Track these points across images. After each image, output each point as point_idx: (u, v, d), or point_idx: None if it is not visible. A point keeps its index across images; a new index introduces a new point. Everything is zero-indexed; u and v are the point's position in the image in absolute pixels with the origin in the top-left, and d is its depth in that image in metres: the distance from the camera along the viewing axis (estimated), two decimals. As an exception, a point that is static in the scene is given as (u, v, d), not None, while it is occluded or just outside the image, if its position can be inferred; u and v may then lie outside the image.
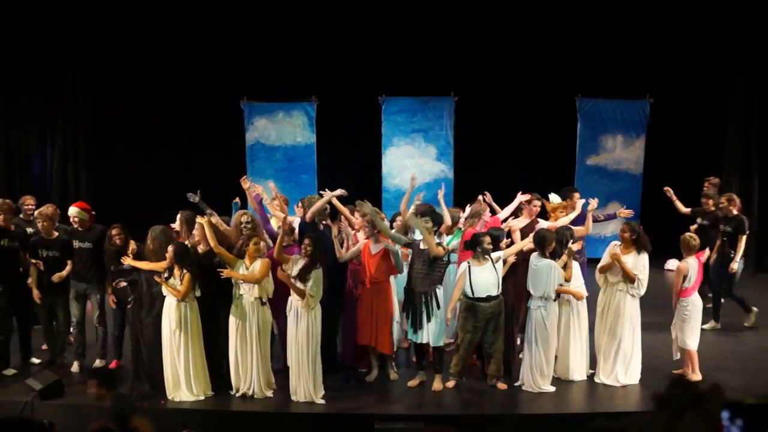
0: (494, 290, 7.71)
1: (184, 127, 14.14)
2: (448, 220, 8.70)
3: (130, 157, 14.15)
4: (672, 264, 9.73)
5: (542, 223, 8.71)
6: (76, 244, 8.59)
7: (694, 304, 7.98)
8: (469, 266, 7.77)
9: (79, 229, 8.62)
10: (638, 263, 7.90)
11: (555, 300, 7.79)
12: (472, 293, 7.71)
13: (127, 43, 14.13)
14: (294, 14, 13.82)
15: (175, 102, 14.09)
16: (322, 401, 7.49)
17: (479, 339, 7.87)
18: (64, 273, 8.41)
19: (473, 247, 7.82)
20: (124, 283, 7.99)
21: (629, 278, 7.86)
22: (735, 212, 10.04)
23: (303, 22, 13.82)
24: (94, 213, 8.99)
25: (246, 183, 8.97)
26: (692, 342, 7.97)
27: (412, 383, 7.95)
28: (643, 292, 8.01)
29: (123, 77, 14.34)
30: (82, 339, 8.76)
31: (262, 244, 7.74)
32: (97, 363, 8.79)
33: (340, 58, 14.01)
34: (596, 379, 8.07)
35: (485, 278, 7.69)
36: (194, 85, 14.05)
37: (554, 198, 9.06)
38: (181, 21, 13.80)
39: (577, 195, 9.26)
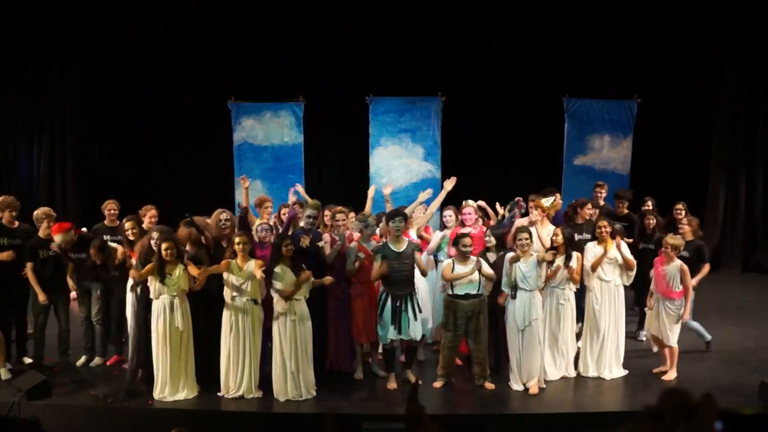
0: (473, 289, 7.77)
1: (172, 127, 14.11)
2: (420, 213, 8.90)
3: (117, 156, 14.12)
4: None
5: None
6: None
7: (683, 303, 8.07)
8: (454, 263, 7.82)
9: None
10: (624, 249, 8.17)
11: (512, 296, 7.81)
12: (452, 290, 7.77)
13: (115, 43, 14.08)
14: (282, 14, 13.82)
15: (163, 101, 14.05)
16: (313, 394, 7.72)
17: (462, 338, 7.92)
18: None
19: (455, 245, 7.90)
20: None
21: (628, 266, 8.11)
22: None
23: (291, 21, 13.83)
24: (72, 223, 8.98)
25: (246, 182, 9.04)
26: (675, 339, 8.08)
27: (391, 385, 7.97)
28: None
29: (110, 77, 14.29)
30: (91, 334, 8.84)
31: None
32: (97, 360, 8.80)
33: (328, 58, 14.00)
34: (591, 374, 8.21)
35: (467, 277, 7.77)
36: (182, 84, 14.00)
37: (546, 202, 9.09)
38: (168, 21, 13.77)
39: (558, 196, 9.47)
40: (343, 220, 8.29)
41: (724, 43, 14.07)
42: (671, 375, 8.10)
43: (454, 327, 7.84)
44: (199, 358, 7.80)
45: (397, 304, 7.76)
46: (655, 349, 8.58)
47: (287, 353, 7.57)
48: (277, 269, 7.55)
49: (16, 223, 8.73)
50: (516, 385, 7.87)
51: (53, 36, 14.00)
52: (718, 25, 13.93)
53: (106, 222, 9.12)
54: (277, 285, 7.51)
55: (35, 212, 8.77)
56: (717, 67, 14.26)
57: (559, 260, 7.97)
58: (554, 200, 9.12)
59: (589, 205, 9.38)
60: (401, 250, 7.78)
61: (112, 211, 9.08)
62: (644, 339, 9.32)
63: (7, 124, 14.08)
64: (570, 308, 8.12)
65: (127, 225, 8.43)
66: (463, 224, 8.85)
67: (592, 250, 8.19)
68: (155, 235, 7.72)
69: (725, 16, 13.87)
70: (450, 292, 7.83)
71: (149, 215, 8.83)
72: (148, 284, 7.58)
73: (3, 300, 8.54)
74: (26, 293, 8.65)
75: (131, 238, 8.35)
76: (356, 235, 8.26)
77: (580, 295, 8.43)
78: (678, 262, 8.05)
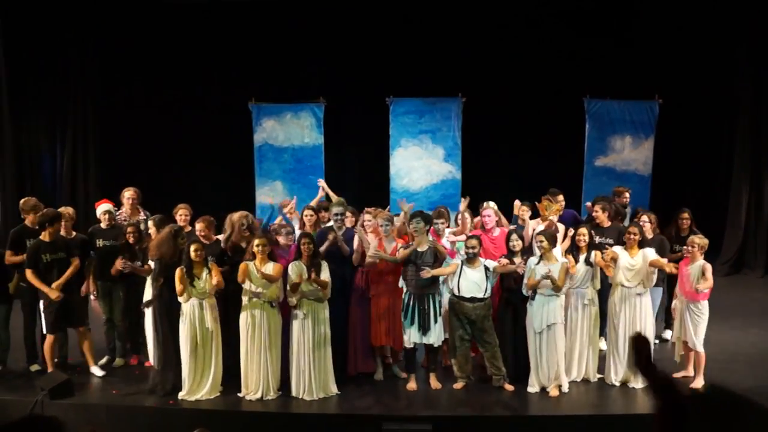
0: (478, 293, 7.77)
1: (193, 128, 14.18)
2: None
3: (138, 158, 14.19)
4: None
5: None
6: (99, 242, 8.69)
7: (707, 306, 7.99)
8: (462, 265, 7.82)
9: (102, 227, 8.76)
10: (648, 259, 7.97)
11: (530, 297, 7.81)
12: (458, 291, 7.79)
13: (136, 45, 14.19)
14: (302, 16, 13.87)
15: (184, 103, 14.14)
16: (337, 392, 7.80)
17: (471, 339, 7.94)
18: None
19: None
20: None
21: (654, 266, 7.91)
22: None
23: (310, 23, 13.88)
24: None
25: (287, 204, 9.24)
26: (702, 344, 7.97)
27: (411, 386, 8.00)
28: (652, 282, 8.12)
29: (132, 78, 14.42)
30: (113, 335, 8.91)
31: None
32: (119, 361, 8.86)
33: (348, 59, 14.02)
34: (614, 382, 8.11)
35: (472, 280, 7.77)
36: (202, 86, 14.10)
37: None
38: (189, 23, 13.85)
39: (560, 197, 9.40)
40: (370, 221, 8.32)
41: (746, 42, 13.94)
42: (699, 381, 7.93)
43: (460, 327, 7.87)
44: (222, 359, 7.88)
45: (421, 304, 7.79)
46: (678, 358, 8.40)
47: (303, 352, 7.63)
48: (291, 267, 7.60)
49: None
50: (532, 388, 7.86)
51: (74, 40, 14.11)
52: (740, 24, 13.80)
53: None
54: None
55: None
56: (739, 66, 14.13)
57: (581, 258, 7.97)
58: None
59: (599, 208, 9.20)
60: (422, 250, 7.80)
61: (183, 217, 8.79)
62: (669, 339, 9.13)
63: (31, 124, 14.20)
64: (594, 309, 8.08)
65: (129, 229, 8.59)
66: (483, 227, 8.83)
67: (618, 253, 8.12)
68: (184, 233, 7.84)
69: (747, 15, 13.73)
70: (456, 293, 7.84)
71: (199, 227, 8.42)
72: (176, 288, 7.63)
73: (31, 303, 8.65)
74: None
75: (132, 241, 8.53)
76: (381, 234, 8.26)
77: (605, 300, 8.40)
78: (701, 261, 7.96)
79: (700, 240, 8.01)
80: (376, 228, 8.26)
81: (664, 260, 8.11)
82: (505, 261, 7.92)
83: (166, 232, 7.87)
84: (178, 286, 7.54)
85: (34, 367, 8.59)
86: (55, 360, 8.42)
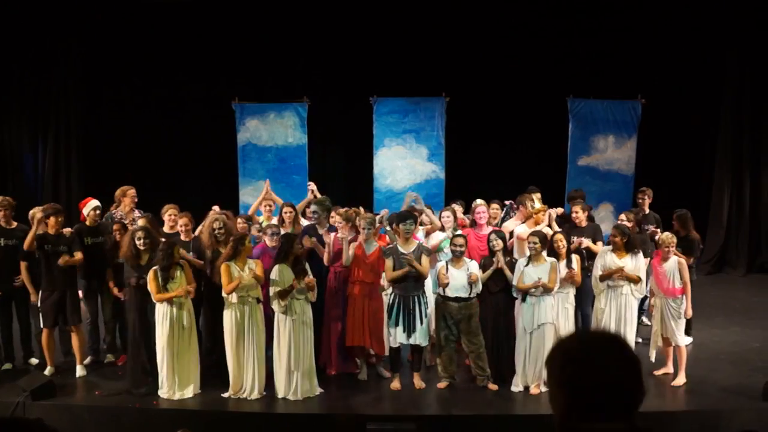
0: (463, 293, 7.77)
1: (176, 128, 14.11)
2: (436, 221, 8.78)
3: (121, 157, 14.09)
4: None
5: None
6: (87, 240, 8.61)
7: (683, 301, 8.04)
8: (447, 265, 7.82)
9: (88, 225, 8.71)
10: (638, 264, 8.01)
11: (522, 299, 7.83)
12: (443, 291, 7.80)
13: (119, 44, 14.09)
14: (286, 15, 13.84)
15: (167, 102, 14.06)
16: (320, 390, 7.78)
17: (457, 339, 7.93)
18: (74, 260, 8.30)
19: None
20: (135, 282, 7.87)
21: (634, 280, 7.96)
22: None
23: (295, 22, 13.85)
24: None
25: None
26: (682, 338, 8.02)
27: (395, 386, 7.97)
28: (645, 290, 8.12)
29: (114, 77, 14.31)
30: (96, 336, 8.87)
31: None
32: (110, 358, 8.82)
33: (332, 58, 14.00)
34: None
35: (458, 280, 7.77)
36: (186, 85, 14.02)
37: (537, 203, 9.05)
38: (173, 21, 13.78)
39: (537, 194, 9.33)
40: (340, 222, 8.30)
41: (728, 43, 14.04)
42: (681, 379, 7.97)
43: (446, 327, 7.86)
44: (206, 358, 7.85)
45: (406, 306, 7.76)
46: (653, 357, 8.42)
47: (292, 352, 7.58)
48: (276, 270, 7.56)
49: (14, 224, 8.72)
50: (516, 387, 7.86)
51: (57, 38, 14.01)
52: (722, 24, 13.89)
53: (165, 228, 8.75)
54: (274, 288, 7.56)
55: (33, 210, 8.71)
56: (721, 67, 14.23)
57: (562, 264, 7.96)
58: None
59: (579, 209, 9.25)
60: (409, 252, 7.77)
61: (173, 216, 8.74)
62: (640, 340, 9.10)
63: (12, 122, 14.09)
64: (572, 311, 8.09)
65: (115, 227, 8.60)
66: (474, 223, 8.84)
67: (605, 257, 8.15)
68: (139, 234, 7.74)
69: (729, 16, 13.82)
70: (441, 294, 7.84)
71: (182, 222, 8.59)
72: (149, 287, 7.57)
73: (5, 300, 8.58)
74: (28, 294, 8.62)
75: (184, 238, 8.49)
76: (361, 237, 8.24)
77: (588, 300, 8.42)
78: (675, 258, 8.04)
79: (667, 238, 8.08)
80: (345, 228, 8.26)
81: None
82: (475, 275, 7.89)
83: (126, 234, 7.98)
84: (151, 287, 7.51)
85: (6, 366, 8.55)
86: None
